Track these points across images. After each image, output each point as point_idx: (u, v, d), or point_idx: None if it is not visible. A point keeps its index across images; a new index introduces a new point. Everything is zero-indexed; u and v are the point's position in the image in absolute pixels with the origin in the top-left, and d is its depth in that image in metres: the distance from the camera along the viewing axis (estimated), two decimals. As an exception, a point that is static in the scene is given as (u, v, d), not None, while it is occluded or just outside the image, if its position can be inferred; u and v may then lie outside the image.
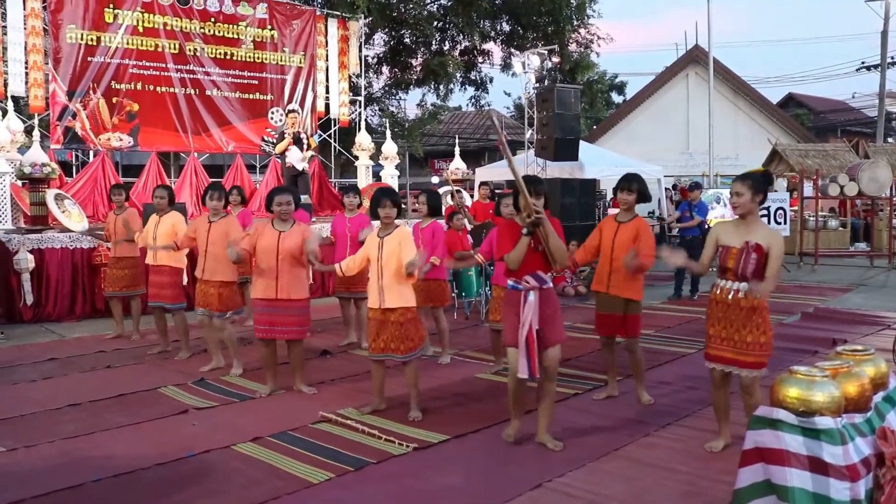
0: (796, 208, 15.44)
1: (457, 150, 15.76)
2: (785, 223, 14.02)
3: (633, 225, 5.47)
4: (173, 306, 7.30)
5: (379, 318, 5.26)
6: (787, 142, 21.26)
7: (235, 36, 14.11)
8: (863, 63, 29.33)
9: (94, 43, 12.45)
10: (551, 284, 4.65)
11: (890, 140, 30.96)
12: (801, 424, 2.77)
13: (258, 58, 14.40)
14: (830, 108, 37.73)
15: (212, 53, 13.82)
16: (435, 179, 28.34)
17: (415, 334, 5.31)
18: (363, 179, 14.67)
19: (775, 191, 15.11)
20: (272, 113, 14.61)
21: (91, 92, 12.42)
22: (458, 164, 15.31)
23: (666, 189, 18.95)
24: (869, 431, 2.90)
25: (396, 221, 5.41)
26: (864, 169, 14.29)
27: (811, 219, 15.39)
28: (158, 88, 13.22)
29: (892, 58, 26.71)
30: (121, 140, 12.80)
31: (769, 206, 13.74)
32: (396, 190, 14.83)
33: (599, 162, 15.94)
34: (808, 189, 15.50)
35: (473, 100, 24.10)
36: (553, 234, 4.46)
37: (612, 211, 10.99)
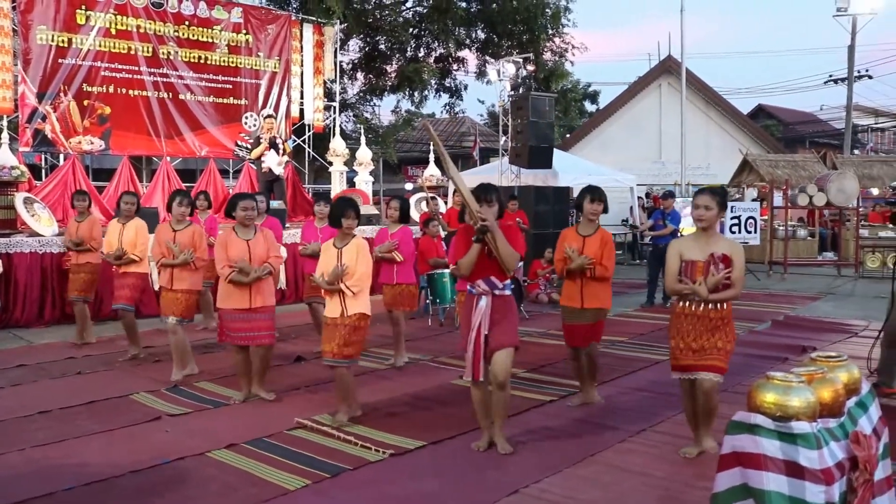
0: (766, 218, 15.65)
1: (431, 156, 15.78)
2: (755, 232, 14.23)
3: (598, 237, 5.59)
4: (119, 306, 7.28)
5: (337, 323, 5.24)
6: (757, 152, 21.56)
7: (210, 40, 13.97)
8: (831, 76, 29.88)
9: (66, 44, 12.25)
10: (506, 291, 4.65)
11: (857, 152, 31.57)
12: (778, 429, 2.80)
13: (232, 62, 14.29)
14: (799, 119, 38.39)
15: (185, 57, 13.67)
16: (409, 186, 28.33)
17: (358, 343, 5.29)
18: (337, 185, 14.61)
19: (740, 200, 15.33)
20: (246, 118, 14.50)
21: (62, 94, 12.21)
22: (432, 171, 15.33)
23: (639, 198, 19.16)
24: (843, 436, 2.94)
25: (364, 229, 5.42)
26: (833, 180, 14.52)
27: (781, 228, 15.61)
28: (131, 91, 13.04)
29: (859, 72, 27.24)
30: (92, 143, 12.61)
31: (740, 216, 13.95)
32: (370, 196, 14.88)
33: (573, 170, 16.10)
34: (778, 199, 15.72)
35: (448, 107, 24.13)
36: (502, 240, 4.47)
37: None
